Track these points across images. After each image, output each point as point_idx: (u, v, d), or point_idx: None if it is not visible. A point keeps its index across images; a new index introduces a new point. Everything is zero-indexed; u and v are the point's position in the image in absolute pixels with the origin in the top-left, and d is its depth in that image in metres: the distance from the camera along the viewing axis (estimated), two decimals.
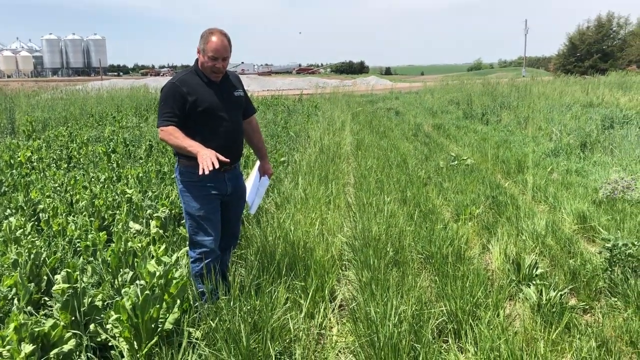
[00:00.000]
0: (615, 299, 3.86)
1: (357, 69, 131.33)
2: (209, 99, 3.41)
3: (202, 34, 3.42)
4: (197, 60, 3.48)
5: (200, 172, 3.05)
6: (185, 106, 3.36)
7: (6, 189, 6.54)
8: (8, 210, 5.31)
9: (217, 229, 3.56)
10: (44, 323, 3.07)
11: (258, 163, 4.08)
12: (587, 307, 3.87)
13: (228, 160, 3.22)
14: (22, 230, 4.73)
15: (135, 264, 3.68)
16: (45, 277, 4.00)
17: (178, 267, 3.80)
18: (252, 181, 4.00)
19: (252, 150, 4.37)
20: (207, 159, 3.08)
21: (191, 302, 3.42)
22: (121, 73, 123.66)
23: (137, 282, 3.32)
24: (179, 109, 3.35)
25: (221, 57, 3.38)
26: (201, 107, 3.38)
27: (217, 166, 3.07)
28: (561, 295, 3.77)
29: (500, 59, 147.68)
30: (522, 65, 77.13)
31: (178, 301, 3.35)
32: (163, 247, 3.73)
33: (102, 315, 3.38)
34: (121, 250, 4.00)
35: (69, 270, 3.41)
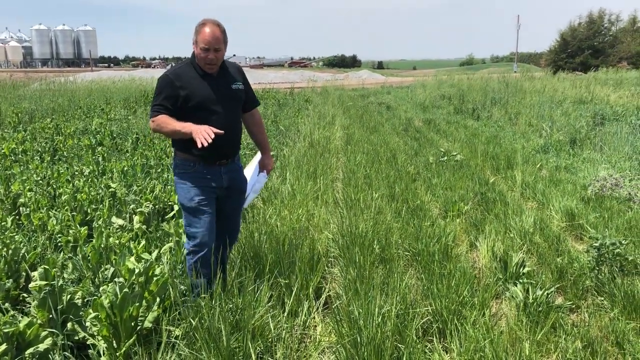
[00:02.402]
0: (602, 298, 3.83)
1: (349, 62, 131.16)
2: (202, 93, 3.35)
3: (195, 27, 3.35)
4: (193, 52, 3.41)
5: (200, 146, 3.04)
6: (177, 100, 3.31)
7: None
8: None
9: (211, 221, 3.48)
10: (19, 321, 3.00)
11: (258, 155, 3.99)
12: (574, 306, 3.83)
13: (222, 132, 3.16)
14: (2, 224, 4.64)
15: (113, 261, 3.59)
16: (24, 273, 3.91)
17: (160, 263, 3.73)
18: (250, 174, 3.90)
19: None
20: (202, 131, 3.07)
21: (172, 300, 3.35)
22: (112, 64, 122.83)
23: (116, 279, 3.25)
24: (170, 103, 3.31)
25: (213, 48, 3.29)
26: (193, 101, 3.32)
27: (212, 136, 3.05)
28: (548, 294, 3.73)
29: (492, 55, 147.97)
30: (513, 61, 77.30)
31: (158, 299, 3.29)
32: (143, 243, 3.64)
33: (81, 313, 3.30)
34: (102, 246, 3.92)
35: (47, 267, 3.33)
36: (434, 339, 3.28)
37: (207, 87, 3.39)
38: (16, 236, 4.34)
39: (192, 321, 3.08)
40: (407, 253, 4.57)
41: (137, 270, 3.26)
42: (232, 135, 3.51)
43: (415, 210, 5.72)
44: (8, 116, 13.01)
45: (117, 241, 3.86)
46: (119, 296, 3.05)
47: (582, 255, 4.50)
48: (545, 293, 3.71)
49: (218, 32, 3.31)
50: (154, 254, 3.59)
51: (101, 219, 4.65)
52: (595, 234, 4.41)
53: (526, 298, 3.69)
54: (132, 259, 3.43)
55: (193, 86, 3.34)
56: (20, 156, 8.02)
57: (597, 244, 4.12)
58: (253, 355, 2.88)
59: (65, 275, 3.87)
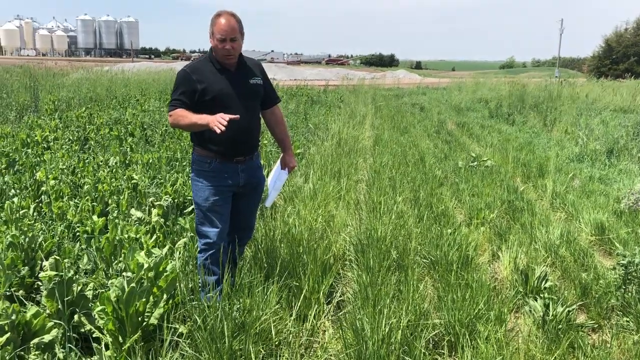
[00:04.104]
0: (627, 319, 3.64)
1: (387, 61, 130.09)
2: (218, 87, 3.32)
3: (211, 19, 3.33)
4: (212, 47, 3.38)
5: (219, 131, 3.00)
6: (194, 94, 3.30)
7: (20, 168, 6.54)
8: (12, 191, 5.29)
9: (224, 221, 3.47)
10: (27, 310, 3.01)
11: (282, 155, 3.91)
12: (596, 325, 3.66)
13: (237, 116, 3.12)
14: (24, 211, 4.70)
15: (122, 255, 3.59)
16: (39, 262, 3.95)
17: (172, 259, 3.71)
18: (273, 173, 3.87)
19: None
20: (217, 118, 3.04)
21: (181, 297, 3.32)
22: (152, 56, 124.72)
23: (125, 274, 3.24)
24: (187, 97, 3.29)
25: (229, 38, 3.25)
26: (209, 95, 3.29)
27: (226, 120, 3.01)
28: (569, 311, 3.57)
29: (533, 58, 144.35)
30: (555, 66, 75.50)
31: (166, 295, 3.26)
32: (154, 237, 3.63)
33: (91, 305, 3.31)
34: (117, 238, 3.92)
35: (57, 257, 3.34)
36: (445, 352, 3.17)
37: (224, 81, 3.35)
38: (36, 224, 4.39)
39: (197, 319, 3.04)
40: (425, 260, 4.45)
41: (146, 265, 3.24)
42: (249, 131, 3.47)
43: (438, 216, 5.58)
44: (45, 104, 13.30)
45: (126, 235, 3.85)
46: (126, 291, 3.03)
47: (609, 272, 4.30)
48: (566, 310, 3.54)
49: (234, 21, 3.28)
50: (165, 249, 3.57)
51: (116, 211, 4.67)
52: (622, 251, 4.21)
53: (545, 314, 3.54)
54: (142, 253, 3.42)
55: (210, 80, 3.32)
56: (52, 144, 8.16)
57: (624, 262, 3.92)
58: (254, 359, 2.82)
59: (81, 266, 3.89)
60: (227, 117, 3.04)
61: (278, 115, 3.79)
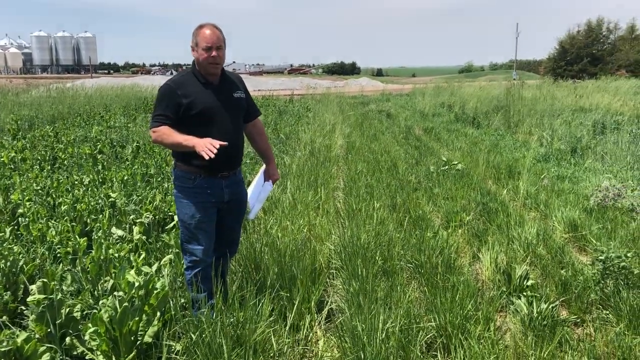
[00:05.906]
0: (607, 312, 3.78)
1: (348, 69, 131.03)
2: (204, 101, 3.28)
3: (193, 32, 3.32)
4: (194, 61, 3.36)
5: (207, 157, 2.98)
6: (179, 109, 3.25)
7: None
8: None
9: (210, 238, 3.44)
10: (16, 336, 2.95)
11: (263, 167, 3.91)
12: (579, 320, 3.79)
13: (226, 143, 3.09)
14: (1, 235, 4.58)
15: (113, 273, 3.54)
16: (22, 286, 3.86)
17: (161, 276, 3.68)
18: (255, 185, 3.85)
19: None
20: (206, 143, 3.02)
21: (173, 314, 3.30)
22: (112, 71, 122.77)
23: (116, 293, 3.20)
24: (172, 112, 3.24)
25: (215, 46, 3.24)
26: (195, 109, 3.25)
27: (217, 147, 2.99)
28: (552, 307, 3.69)
29: (491, 62, 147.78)
30: (512, 68, 77.44)
31: (158, 313, 3.24)
32: (143, 256, 3.60)
33: (80, 327, 3.25)
34: (101, 258, 3.87)
35: (45, 280, 3.29)
36: (438, 354, 3.23)
37: (209, 95, 3.32)
38: (15, 247, 4.29)
39: (192, 336, 3.03)
40: (409, 265, 4.52)
41: (136, 284, 3.22)
42: (234, 145, 3.45)
43: (417, 221, 5.68)
44: (7, 123, 12.96)
45: (116, 254, 3.81)
46: (119, 310, 3.00)
47: (586, 267, 4.45)
48: (549, 306, 3.66)
49: (218, 31, 3.29)
50: (154, 267, 3.54)
51: (100, 230, 4.60)
52: (599, 246, 4.37)
53: (531, 312, 3.65)
54: (132, 272, 3.39)
55: (195, 94, 3.28)
56: (20, 165, 7.97)
57: (602, 257, 4.07)
58: None
59: (64, 288, 3.82)
60: (217, 143, 3.02)
61: (259, 128, 3.80)
